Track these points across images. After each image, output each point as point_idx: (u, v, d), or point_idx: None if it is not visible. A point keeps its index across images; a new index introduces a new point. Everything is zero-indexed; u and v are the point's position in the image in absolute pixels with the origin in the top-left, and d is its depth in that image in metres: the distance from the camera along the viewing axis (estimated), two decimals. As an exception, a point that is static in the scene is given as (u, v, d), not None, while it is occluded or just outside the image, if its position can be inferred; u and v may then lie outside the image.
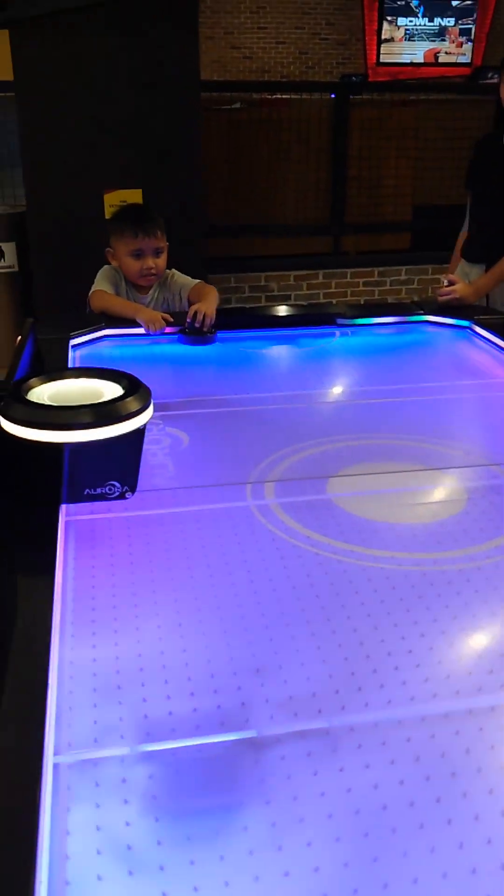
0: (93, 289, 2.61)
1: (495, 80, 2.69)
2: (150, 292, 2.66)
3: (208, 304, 2.44)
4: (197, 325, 2.37)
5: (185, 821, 0.83)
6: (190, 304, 2.57)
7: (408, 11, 11.77)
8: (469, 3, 11.80)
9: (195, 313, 2.37)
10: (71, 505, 1.38)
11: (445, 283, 2.62)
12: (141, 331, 2.40)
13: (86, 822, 0.83)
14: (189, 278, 2.69)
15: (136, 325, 2.42)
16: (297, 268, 5.47)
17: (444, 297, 2.57)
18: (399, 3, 11.60)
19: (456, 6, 11.83)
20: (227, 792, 0.86)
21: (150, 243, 2.54)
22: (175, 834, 0.82)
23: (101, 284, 2.61)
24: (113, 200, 4.23)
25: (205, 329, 2.37)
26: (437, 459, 1.66)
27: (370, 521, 1.41)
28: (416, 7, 11.75)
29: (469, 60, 12.07)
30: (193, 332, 2.37)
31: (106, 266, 2.66)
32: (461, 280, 2.62)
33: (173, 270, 2.70)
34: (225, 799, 0.86)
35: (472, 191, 2.88)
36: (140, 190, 4.22)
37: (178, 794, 0.86)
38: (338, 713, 0.96)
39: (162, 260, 2.59)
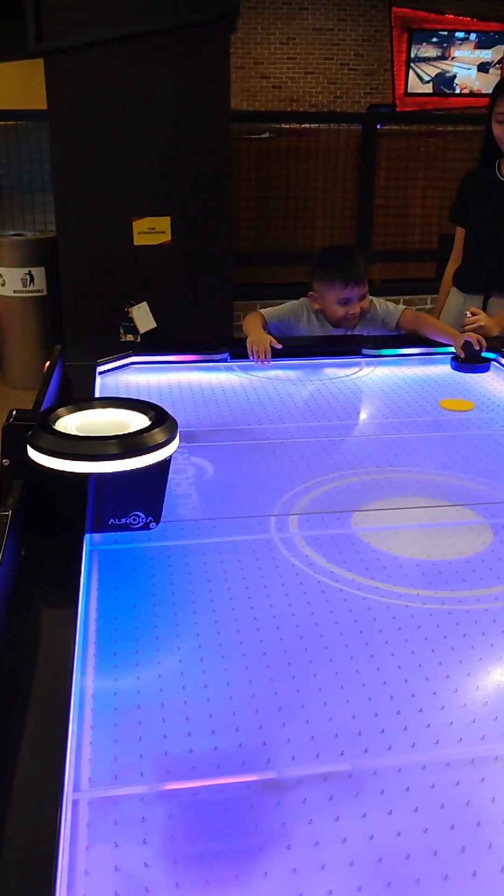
0: (260, 310, 2.67)
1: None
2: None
3: (463, 333, 2.45)
4: (476, 348, 2.37)
5: (205, 864, 0.82)
6: (405, 330, 2.63)
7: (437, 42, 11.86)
8: (495, 35, 11.88)
9: (473, 341, 2.36)
10: (95, 534, 1.38)
11: (469, 315, 2.61)
12: (167, 358, 2.41)
13: (104, 862, 0.82)
14: (392, 305, 2.73)
15: (163, 351, 2.43)
16: (322, 295, 5.47)
17: (470, 327, 2.57)
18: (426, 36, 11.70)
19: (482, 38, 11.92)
20: (248, 835, 0.85)
21: (357, 291, 2.57)
22: (193, 877, 0.80)
23: (267, 311, 2.67)
24: (142, 227, 4.28)
25: (482, 350, 2.38)
26: (462, 495, 1.65)
27: (395, 556, 1.40)
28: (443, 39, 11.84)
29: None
30: (472, 360, 2.38)
31: (300, 300, 2.71)
32: (482, 312, 2.61)
33: (372, 299, 2.71)
34: (245, 842, 0.84)
35: (465, 224, 2.90)
36: (168, 218, 4.28)
37: (198, 836, 0.85)
38: (360, 756, 0.95)
39: (365, 301, 2.63)
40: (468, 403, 2.15)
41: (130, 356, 2.38)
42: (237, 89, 11.16)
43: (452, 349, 2.46)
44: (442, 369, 2.46)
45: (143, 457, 1.27)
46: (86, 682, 1.07)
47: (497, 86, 2.65)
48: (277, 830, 0.85)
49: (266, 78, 11.97)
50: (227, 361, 2.43)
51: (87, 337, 4.14)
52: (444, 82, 12.15)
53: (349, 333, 2.66)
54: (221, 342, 2.53)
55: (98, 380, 2.18)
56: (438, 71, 12.11)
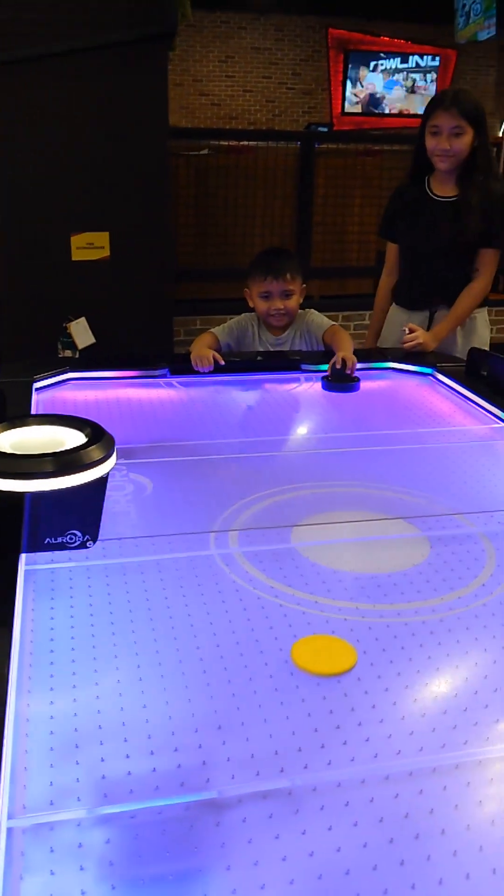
0: (211, 330, 2.70)
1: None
2: (285, 336, 2.71)
3: (349, 350, 2.49)
4: (347, 371, 2.39)
5: (143, 888, 0.81)
6: (325, 345, 2.65)
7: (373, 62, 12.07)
8: (431, 59, 12.17)
9: (342, 360, 2.40)
10: (31, 554, 1.35)
11: (407, 331, 2.65)
12: (105, 374, 2.39)
13: (39, 891, 0.80)
14: (324, 319, 2.75)
15: (100, 367, 2.42)
16: (262, 311, 5.51)
17: (409, 345, 2.61)
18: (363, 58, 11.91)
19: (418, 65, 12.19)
20: (187, 857, 0.84)
21: (278, 286, 2.61)
22: (132, 903, 0.79)
23: (217, 329, 2.71)
24: (80, 242, 4.25)
25: (351, 373, 2.40)
26: (400, 508, 1.67)
27: (334, 570, 1.41)
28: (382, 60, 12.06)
29: (431, 112, 12.40)
30: (338, 379, 2.39)
31: (246, 314, 2.76)
32: (420, 328, 2.66)
33: (310, 311, 2.76)
34: (184, 864, 0.83)
35: (398, 240, 2.90)
36: (107, 233, 4.25)
37: (136, 860, 0.84)
38: (300, 772, 0.95)
39: (292, 302, 2.65)
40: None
41: (68, 372, 2.35)
42: (176, 106, 11.23)
43: (383, 363, 2.52)
44: (380, 384, 2.49)
45: (79, 474, 1.25)
46: (21, 705, 1.04)
47: (431, 101, 2.69)
48: (217, 851, 0.85)
49: (205, 95, 12.05)
50: (166, 377, 2.43)
51: (24, 353, 4.08)
52: (374, 103, 12.39)
53: (291, 349, 2.69)
54: (161, 358, 2.52)
55: (34, 396, 2.15)
56: (371, 92, 12.34)
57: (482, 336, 2.86)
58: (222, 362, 2.43)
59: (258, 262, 2.70)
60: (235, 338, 2.72)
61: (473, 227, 2.65)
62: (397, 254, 2.92)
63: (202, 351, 2.48)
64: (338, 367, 2.40)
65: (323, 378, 2.42)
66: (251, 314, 2.75)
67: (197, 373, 2.42)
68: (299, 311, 2.72)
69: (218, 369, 2.43)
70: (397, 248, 2.92)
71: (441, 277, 2.76)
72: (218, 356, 2.44)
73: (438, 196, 2.74)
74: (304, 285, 2.72)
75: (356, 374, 2.41)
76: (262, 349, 2.72)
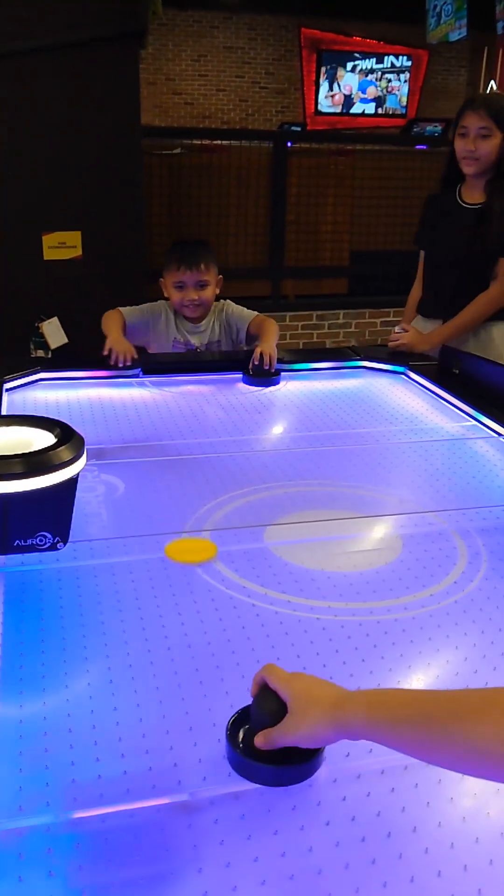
0: (118, 308, 2.68)
1: (429, 130, 2.73)
2: (204, 323, 2.71)
3: (270, 343, 2.49)
4: (265, 367, 2.41)
5: (113, 893, 0.80)
6: (249, 337, 2.65)
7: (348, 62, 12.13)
8: (404, 59, 12.23)
9: (260, 355, 2.41)
10: (0, 556, 1.34)
11: (397, 329, 2.65)
12: (78, 374, 2.38)
13: (8, 899, 0.79)
14: (246, 311, 2.74)
15: (73, 367, 2.40)
16: (236, 310, 5.51)
17: (394, 344, 2.61)
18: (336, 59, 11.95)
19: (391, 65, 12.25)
20: (158, 860, 0.83)
21: (192, 276, 2.60)
22: (102, 908, 0.78)
23: (125, 308, 2.68)
24: (52, 242, 4.22)
25: (270, 370, 2.41)
26: (372, 506, 1.67)
27: (307, 569, 1.41)
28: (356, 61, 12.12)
29: (404, 112, 12.52)
30: (258, 374, 2.40)
31: (161, 300, 2.74)
32: (414, 328, 2.65)
33: (227, 302, 2.76)
34: (155, 868, 0.82)
35: (424, 249, 2.85)
36: (79, 232, 4.22)
37: (107, 864, 0.83)
38: (272, 772, 0.94)
39: (207, 292, 2.64)
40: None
41: (39, 372, 2.33)
42: (149, 105, 11.18)
43: (356, 362, 2.53)
44: (354, 382, 2.50)
45: (49, 475, 1.24)
46: (-10, 710, 1.03)
47: (462, 105, 2.62)
48: (189, 853, 0.84)
49: (178, 94, 12.03)
50: (139, 377, 2.42)
51: (-3, 354, 4.04)
52: (349, 103, 12.44)
53: (211, 339, 2.69)
54: (133, 358, 2.50)
55: (5, 397, 2.13)
56: (345, 92, 12.39)
57: (499, 351, 2.65)
58: (135, 356, 2.44)
59: (172, 252, 2.68)
60: (145, 322, 2.69)
61: (492, 236, 2.57)
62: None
63: (120, 338, 2.46)
64: (255, 362, 2.41)
65: (243, 372, 2.43)
66: (166, 301, 2.74)
67: (268, 375, 2.41)
68: (216, 302, 2.72)
69: (190, 368, 2.43)
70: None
71: (455, 286, 2.68)
72: (132, 351, 2.44)
73: (467, 203, 2.67)
74: (221, 276, 2.71)
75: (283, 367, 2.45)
76: (178, 337, 2.71)
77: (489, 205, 2.59)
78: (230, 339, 2.77)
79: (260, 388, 2.39)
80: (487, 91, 7.82)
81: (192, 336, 2.71)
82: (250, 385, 2.40)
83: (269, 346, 2.46)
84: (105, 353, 2.43)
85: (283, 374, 2.46)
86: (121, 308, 2.69)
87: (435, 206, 2.80)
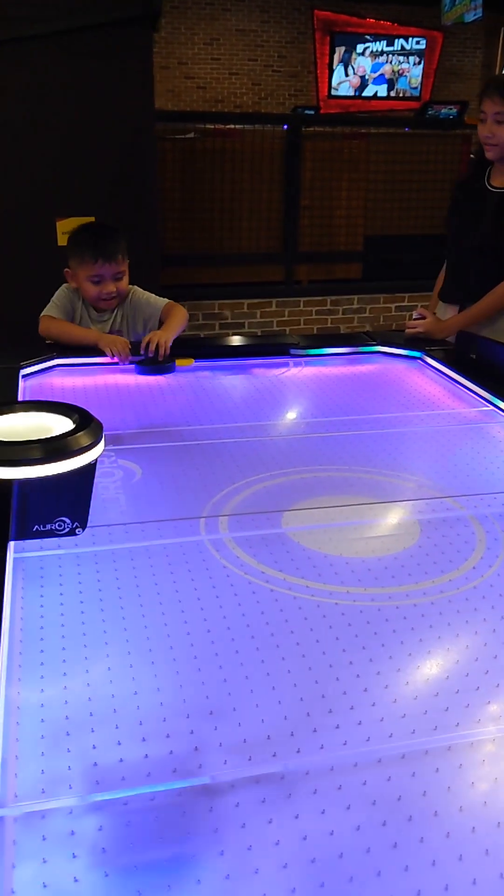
0: (44, 313, 2.55)
1: (446, 114, 2.69)
2: (111, 312, 2.60)
3: (165, 331, 2.41)
4: (149, 354, 2.34)
5: (136, 875, 0.80)
6: (161, 324, 2.53)
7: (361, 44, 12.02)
8: (419, 40, 12.10)
9: (147, 343, 2.34)
10: (19, 542, 1.34)
11: (415, 315, 2.63)
12: (94, 360, 2.37)
13: (32, 880, 0.79)
14: (155, 298, 2.62)
15: (88, 353, 2.39)
16: (250, 296, 5.50)
17: (411, 331, 2.58)
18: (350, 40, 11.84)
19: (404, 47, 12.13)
20: (180, 843, 0.84)
21: (109, 269, 2.48)
22: (125, 889, 0.79)
23: (52, 310, 2.55)
24: (66, 228, 4.20)
25: (160, 359, 2.35)
26: (390, 492, 1.67)
27: (325, 555, 1.40)
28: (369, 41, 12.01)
29: (418, 95, 12.40)
30: (149, 363, 2.35)
31: (63, 287, 2.59)
32: (431, 315, 2.63)
33: (134, 288, 2.62)
34: (177, 850, 0.83)
35: (450, 233, 2.81)
36: (93, 218, 4.21)
37: (129, 847, 0.83)
38: (293, 756, 0.95)
39: (123, 283, 2.53)
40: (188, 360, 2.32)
41: (55, 359, 2.34)
42: (162, 89, 11.11)
43: (372, 347, 2.51)
44: (369, 367, 2.49)
45: (68, 461, 1.24)
46: (11, 692, 1.04)
47: (482, 88, 2.59)
48: (210, 837, 0.84)
49: (190, 78, 11.96)
50: (173, 371, 2.39)
51: (12, 339, 4.05)
52: (362, 85, 12.33)
53: (112, 328, 2.60)
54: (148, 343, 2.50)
55: (21, 383, 2.13)
56: (359, 73, 12.28)
57: None
58: (128, 343, 2.39)
59: (84, 242, 2.50)
60: (69, 318, 2.58)
61: None
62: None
63: (113, 340, 2.37)
64: (142, 351, 2.35)
65: (136, 363, 2.36)
66: (70, 288, 2.59)
67: (159, 364, 2.34)
68: None
69: (206, 354, 2.42)
70: None
71: (477, 272, 2.65)
72: (126, 342, 2.39)
73: (495, 188, 2.63)
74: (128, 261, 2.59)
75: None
76: (86, 326, 2.58)
77: None
78: (134, 327, 2.63)
79: (152, 376, 2.32)
80: None
81: (96, 325, 2.59)
82: (142, 374, 2.33)
83: (162, 334, 2.38)
84: (111, 355, 2.35)
85: (297, 358, 2.45)
86: (50, 313, 2.56)
87: (464, 190, 2.77)
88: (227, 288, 5.51)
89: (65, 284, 2.60)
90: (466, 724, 1.00)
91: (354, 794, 0.90)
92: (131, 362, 2.36)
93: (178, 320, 2.52)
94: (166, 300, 2.63)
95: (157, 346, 2.35)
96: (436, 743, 0.97)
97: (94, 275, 2.48)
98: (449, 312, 2.74)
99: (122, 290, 2.54)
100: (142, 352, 2.35)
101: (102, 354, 2.37)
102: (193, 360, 2.37)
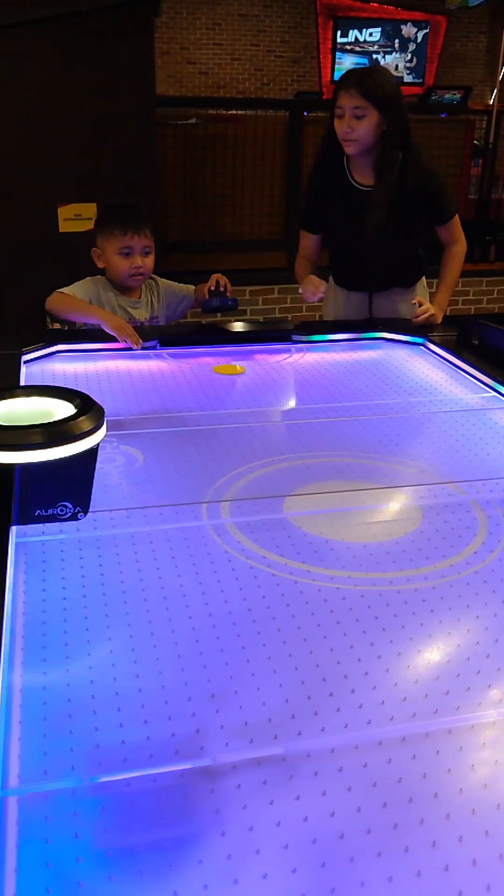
0: (59, 290, 2.55)
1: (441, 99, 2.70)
2: (142, 297, 2.63)
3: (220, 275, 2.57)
4: (222, 289, 2.52)
5: (138, 855, 0.81)
6: (196, 301, 2.69)
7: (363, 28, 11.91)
8: (423, 24, 12.00)
9: (216, 281, 2.54)
10: (21, 526, 1.34)
11: (417, 304, 2.62)
12: (95, 346, 2.37)
13: (35, 859, 0.80)
14: (178, 284, 2.72)
15: (90, 339, 2.39)
16: (252, 283, 5.48)
17: (422, 318, 2.57)
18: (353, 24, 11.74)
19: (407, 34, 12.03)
20: (182, 824, 0.84)
21: (139, 241, 2.52)
22: (127, 869, 0.79)
23: (69, 288, 2.56)
24: (67, 214, 4.20)
25: (228, 293, 2.52)
26: (392, 477, 1.67)
27: (327, 539, 1.41)
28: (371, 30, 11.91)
29: (422, 80, 12.31)
30: (216, 295, 2.53)
31: (87, 279, 2.61)
32: (426, 302, 2.63)
33: (157, 277, 2.68)
34: (179, 831, 0.84)
35: (316, 233, 2.80)
36: (94, 204, 4.20)
37: (131, 828, 0.84)
38: (294, 739, 0.95)
39: (150, 260, 2.56)
40: (239, 367, 2.27)
41: (57, 344, 2.33)
42: (163, 75, 11.05)
43: (374, 333, 2.51)
44: (371, 354, 2.48)
45: (70, 445, 1.24)
46: (13, 676, 1.04)
47: (339, 80, 2.53)
48: (211, 818, 0.85)
49: (192, 64, 11.88)
50: (156, 349, 2.41)
51: (13, 326, 4.05)
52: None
53: (151, 315, 2.65)
54: (151, 329, 2.50)
55: (23, 369, 2.13)
56: (362, 59, 12.17)
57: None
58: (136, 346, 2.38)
59: (112, 217, 2.54)
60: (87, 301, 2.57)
61: (380, 223, 2.57)
62: (315, 245, 2.84)
63: (119, 321, 2.37)
64: (221, 288, 2.55)
65: (203, 301, 2.57)
66: (94, 279, 2.60)
67: (187, 344, 2.40)
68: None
69: (209, 341, 2.42)
70: (316, 240, 2.82)
71: (381, 262, 2.71)
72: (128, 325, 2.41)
73: (358, 184, 2.61)
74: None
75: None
76: (121, 314, 2.57)
77: (375, 189, 2.56)
78: (168, 314, 2.69)
79: (219, 311, 2.56)
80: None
81: (135, 311, 2.61)
82: (209, 310, 2.57)
83: (220, 275, 2.57)
84: (120, 337, 2.34)
85: (299, 345, 2.45)
86: (63, 290, 2.54)
87: (322, 186, 2.69)
88: (229, 274, 5.47)
89: (89, 277, 2.60)
90: (467, 707, 1.01)
91: (355, 776, 0.90)
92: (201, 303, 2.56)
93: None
94: (191, 286, 2.71)
95: (222, 281, 2.53)
96: (436, 726, 0.97)
97: (123, 247, 2.51)
98: (354, 298, 2.83)
99: (148, 266, 2.57)
100: (211, 290, 2.54)
101: (106, 340, 2.37)
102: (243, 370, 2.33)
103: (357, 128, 2.47)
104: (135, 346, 2.35)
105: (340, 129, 2.49)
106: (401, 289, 2.82)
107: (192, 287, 2.69)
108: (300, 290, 2.70)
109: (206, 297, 2.53)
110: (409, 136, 2.56)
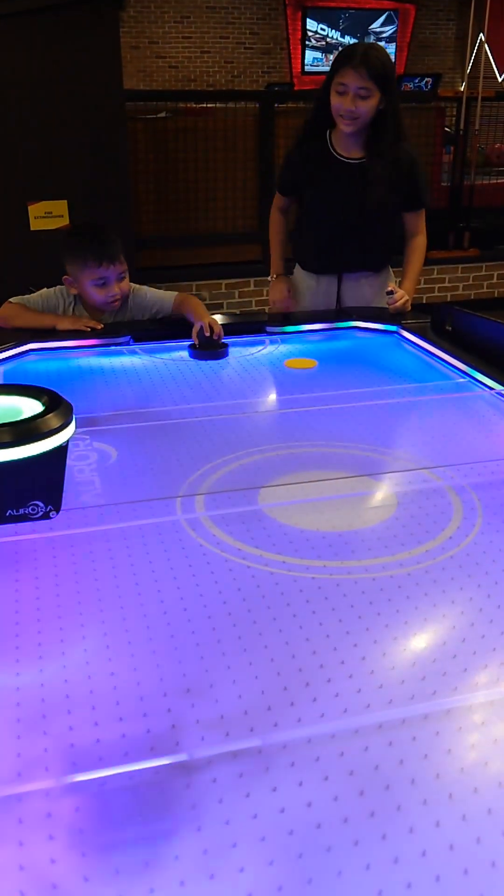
0: (12, 300, 2.49)
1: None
2: (111, 314, 2.54)
3: (208, 316, 2.40)
4: (214, 337, 2.32)
5: (114, 854, 0.80)
6: (173, 316, 2.54)
7: (332, 22, 11.91)
8: (391, 12, 12.00)
9: (205, 327, 2.32)
10: (-7, 527, 1.33)
11: (390, 291, 2.62)
12: (67, 344, 2.35)
13: (8, 862, 0.79)
14: (160, 292, 2.59)
15: (63, 338, 2.37)
16: (227, 276, 5.47)
17: (399, 304, 2.57)
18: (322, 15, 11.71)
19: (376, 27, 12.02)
20: (158, 820, 0.84)
21: (114, 270, 2.42)
22: (103, 868, 0.78)
23: (24, 302, 2.49)
24: (38, 212, 4.17)
25: (218, 340, 2.33)
26: (366, 465, 1.66)
27: (301, 530, 1.40)
28: (340, 21, 11.90)
29: (392, 69, 12.27)
30: (207, 346, 2.32)
31: (54, 288, 2.53)
32: (399, 289, 2.62)
33: (133, 285, 2.57)
34: (155, 828, 0.83)
35: (304, 200, 2.77)
36: (65, 201, 4.17)
37: (107, 826, 0.83)
38: (270, 730, 0.95)
39: (125, 283, 2.48)
40: (311, 361, 2.22)
41: (29, 343, 2.31)
42: (133, 69, 11.00)
43: (348, 322, 2.49)
44: (346, 343, 2.48)
45: (38, 443, 1.23)
46: (-14, 678, 1.03)
47: (339, 55, 2.50)
48: (187, 813, 0.84)
49: (162, 58, 11.82)
50: (129, 345, 2.39)
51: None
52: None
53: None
54: (122, 326, 2.48)
55: (-6, 369, 2.11)
56: (330, 52, 12.15)
57: (377, 298, 2.81)
58: (99, 326, 2.39)
59: (85, 248, 2.41)
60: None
61: (381, 196, 2.57)
62: (290, 204, 2.83)
63: (73, 322, 2.38)
64: (206, 333, 2.32)
65: (189, 347, 2.34)
66: (60, 292, 2.52)
67: (217, 347, 2.33)
68: None
69: (184, 335, 2.41)
70: (291, 200, 2.82)
71: (345, 242, 2.71)
72: (88, 322, 2.39)
73: (343, 157, 2.61)
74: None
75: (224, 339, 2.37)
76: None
77: (371, 164, 2.57)
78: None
79: (208, 360, 2.30)
80: (477, 46, 7.67)
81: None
82: (198, 359, 2.31)
83: (210, 319, 2.37)
84: (81, 328, 2.35)
85: (273, 336, 2.44)
86: (14, 300, 2.49)
87: (307, 156, 2.67)
88: (205, 269, 5.48)
89: (56, 287, 2.53)
90: (444, 692, 1.00)
91: (331, 766, 0.90)
92: (187, 348, 2.34)
93: (204, 307, 2.49)
94: (174, 293, 2.60)
95: (214, 327, 2.34)
96: (413, 712, 0.97)
97: (98, 278, 2.41)
98: (322, 283, 2.81)
99: (124, 290, 2.48)
100: (201, 337, 2.33)
101: (78, 337, 2.35)
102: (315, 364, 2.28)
103: (361, 106, 2.46)
104: (98, 327, 2.36)
105: (342, 105, 2.47)
106: (369, 273, 2.81)
107: (173, 294, 2.58)
108: (269, 303, 2.68)
109: (196, 344, 2.34)
110: (400, 117, 2.57)
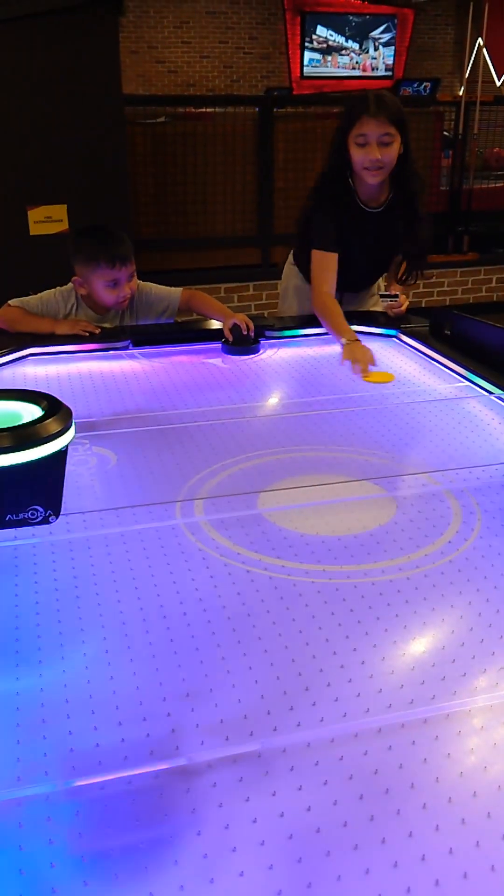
0: (12, 303, 2.49)
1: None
2: (115, 312, 2.55)
3: (234, 314, 2.44)
4: (248, 333, 2.39)
5: (113, 858, 0.80)
6: (181, 313, 2.59)
7: (338, 28, 11.92)
8: (390, 16, 12.01)
9: (237, 325, 2.38)
10: (-7, 531, 1.33)
11: (385, 294, 2.62)
12: (67, 349, 2.35)
13: (8, 867, 0.79)
14: (165, 289, 2.60)
15: (63, 343, 2.37)
16: (227, 280, 5.48)
17: (397, 311, 2.56)
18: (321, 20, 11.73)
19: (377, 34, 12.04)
20: (157, 825, 0.84)
21: (126, 271, 2.43)
22: (102, 873, 0.79)
23: (25, 305, 2.49)
24: (37, 216, 4.18)
25: (252, 336, 2.39)
26: (365, 469, 1.67)
27: (301, 534, 1.40)
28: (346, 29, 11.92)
29: (391, 73, 12.34)
30: (240, 342, 2.38)
31: (55, 290, 2.53)
32: (402, 294, 2.62)
33: (140, 283, 2.58)
34: (155, 832, 0.83)
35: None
36: (65, 206, 4.18)
37: (106, 831, 0.83)
38: (269, 735, 0.95)
39: (134, 282, 2.50)
40: (389, 375, 2.18)
41: (28, 348, 2.31)
42: (132, 74, 11.01)
43: (352, 327, 2.49)
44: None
45: (37, 448, 1.22)
46: (-14, 683, 1.03)
47: (352, 106, 2.41)
48: (187, 817, 0.84)
49: (161, 62, 11.83)
50: (128, 349, 2.40)
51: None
52: (335, 65, 12.23)
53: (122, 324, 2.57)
54: (122, 330, 2.49)
55: (-6, 373, 2.11)
56: (330, 54, 12.19)
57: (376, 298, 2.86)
58: (97, 331, 2.41)
59: (97, 249, 2.42)
60: (47, 314, 2.52)
61: (398, 238, 2.58)
62: (336, 263, 2.55)
63: (72, 326, 2.38)
64: (244, 332, 2.38)
65: (223, 342, 2.40)
66: (62, 294, 2.53)
67: (250, 343, 2.38)
68: None
69: (180, 339, 2.42)
70: (336, 258, 2.55)
71: (367, 271, 2.75)
72: (86, 325, 2.40)
73: (370, 208, 2.54)
74: None
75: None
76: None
77: (394, 210, 2.53)
78: (146, 320, 2.62)
79: (241, 356, 2.35)
80: (475, 51, 7.67)
81: (102, 325, 2.53)
82: (231, 354, 2.36)
83: (238, 316, 2.41)
84: (79, 332, 2.37)
85: (272, 340, 2.45)
86: (15, 302, 2.49)
87: (338, 213, 2.55)
88: (204, 272, 5.49)
89: (56, 289, 2.54)
90: (443, 696, 1.01)
91: (331, 770, 0.90)
92: (224, 342, 2.40)
93: (217, 302, 2.56)
94: (179, 289, 2.61)
95: (248, 324, 2.39)
96: (412, 716, 0.97)
97: (111, 280, 2.43)
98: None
99: (134, 288, 2.50)
100: (234, 334, 2.38)
101: (78, 342, 2.35)
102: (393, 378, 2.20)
103: (386, 154, 2.37)
104: (96, 332, 2.38)
105: (366, 158, 2.37)
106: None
107: (179, 290, 2.60)
108: (353, 363, 2.24)
109: (230, 340, 2.37)
110: (411, 155, 2.49)
